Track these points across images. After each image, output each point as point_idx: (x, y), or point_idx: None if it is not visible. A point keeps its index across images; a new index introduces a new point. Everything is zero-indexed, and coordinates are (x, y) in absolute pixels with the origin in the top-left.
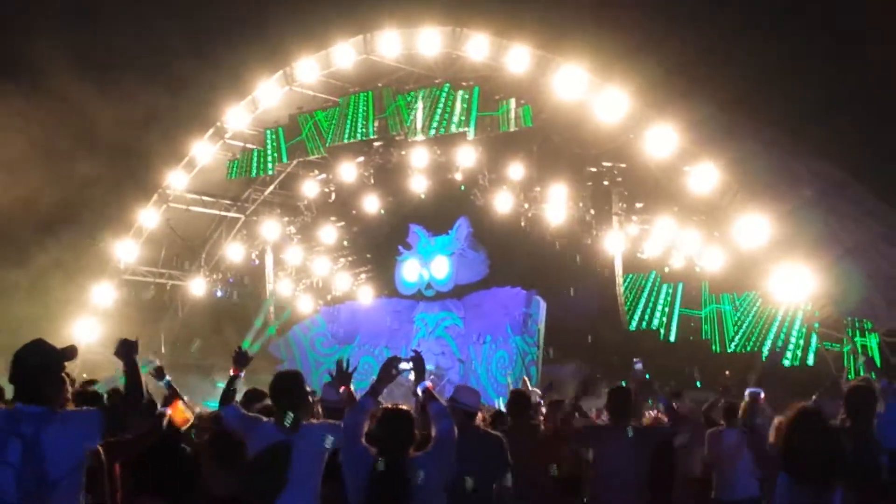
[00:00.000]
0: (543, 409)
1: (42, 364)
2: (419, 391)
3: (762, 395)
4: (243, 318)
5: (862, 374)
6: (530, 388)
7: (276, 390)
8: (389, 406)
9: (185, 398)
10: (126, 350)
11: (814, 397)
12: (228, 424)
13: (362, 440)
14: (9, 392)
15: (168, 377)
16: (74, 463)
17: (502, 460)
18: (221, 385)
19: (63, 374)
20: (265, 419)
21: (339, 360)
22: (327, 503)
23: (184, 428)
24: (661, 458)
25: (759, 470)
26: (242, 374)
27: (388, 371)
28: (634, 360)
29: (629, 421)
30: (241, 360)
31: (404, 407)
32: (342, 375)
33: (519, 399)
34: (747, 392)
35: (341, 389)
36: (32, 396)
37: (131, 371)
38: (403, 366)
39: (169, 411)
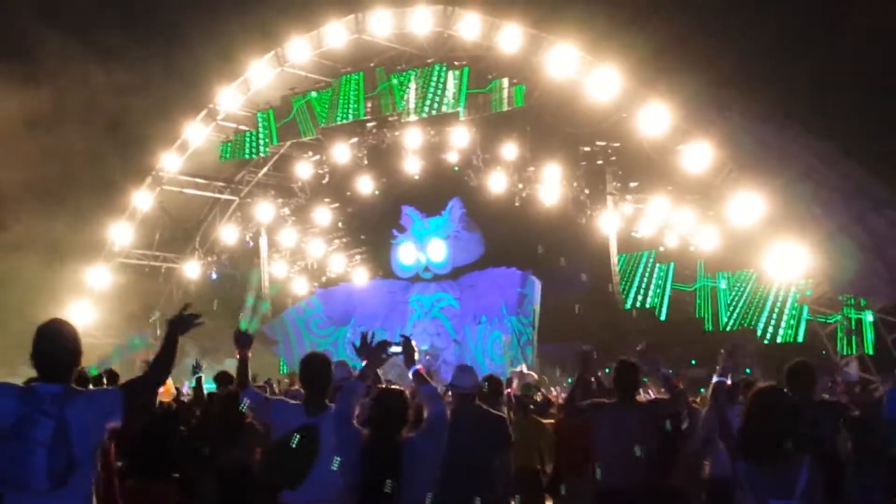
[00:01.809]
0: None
1: (75, 343)
2: (410, 374)
3: (728, 382)
4: (238, 301)
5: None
6: (525, 370)
7: (312, 371)
8: (383, 386)
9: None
10: (184, 324)
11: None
12: (249, 406)
13: (353, 422)
14: None
15: (200, 373)
16: (97, 442)
17: (502, 438)
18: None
19: None
20: (291, 402)
21: (363, 332)
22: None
23: (165, 400)
24: (666, 434)
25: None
26: (250, 354)
27: (378, 354)
28: (584, 346)
29: (634, 397)
30: (243, 340)
31: (398, 387)
32: (366, 348)
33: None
34: (714, 380)
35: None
36: (59, 375)
37: (171, 342)
38: (393, 349)
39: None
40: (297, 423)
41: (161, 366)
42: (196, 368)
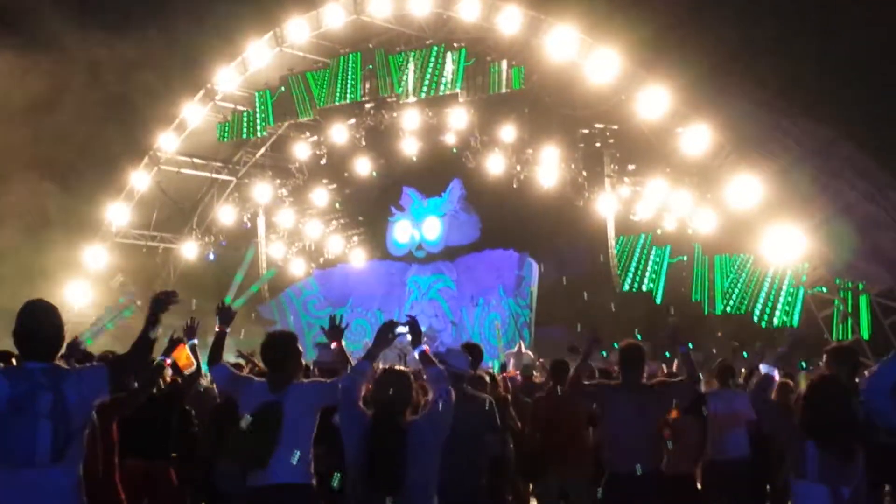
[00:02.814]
0: (536, 373)
1: (60, 324)
2: (416, 354)
3: (776, 376)
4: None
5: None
6: (524, 350)
7: (268, 350)
8: (387, 368)
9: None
10: (163, 303)
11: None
12: (217, 384)
13: (360, 403)
14: None
15: (195, 340)
16: (88, 417)
17: (489, 421)
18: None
19: None
20: (256, 379)
21: (331, 315)
22: (318, 463)
23: (187, 372)
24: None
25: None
26: (228, 331)
27: (385, 335)
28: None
29: (640, 379)
30: (224, 315)
31: (402, 368)
32: (335, 330)
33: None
34: (763, 368)
35: (333, 345)
36: (46, 353)
37: (153, 321)
38: (400, 329)
39: (173, 355)
40: (259, 401)
41: (142, 343)
42: (189, 332)
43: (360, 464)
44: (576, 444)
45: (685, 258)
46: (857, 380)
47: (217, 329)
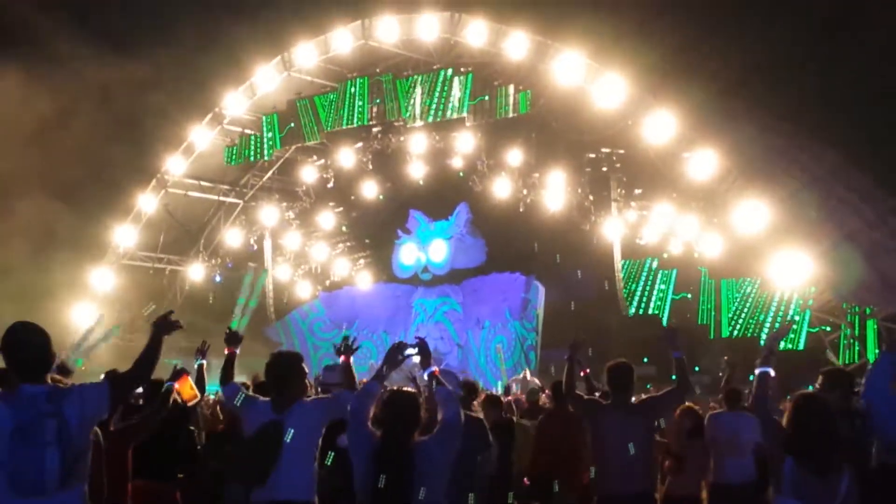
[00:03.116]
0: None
1: (47, 343)
2: (425, 376)
3: (772, 372)
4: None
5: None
6: (528, 377)
7: (272, 370)
8: (395, 388)
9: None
10: (165, 326)
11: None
12: (227, 402)
13: (368, 423)
14: None
15: (203, 360)
16: (90, 435)
17: (483, 440)
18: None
19: None
20: (261, 399)
21: (346, 335)
22: (324, 483)
23: (190, 404)
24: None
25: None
26: (237, 352)
27: (395, 356)
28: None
29: (629, 399)
30: (232, 339)
31: (410, 390)
32: (347, 348)
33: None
34: (757, 371)
35: (341, 359)
36: (40, 375)
37: (154, 344)
38: (409, 351)
39: (177, 385)
40: (263, 420)
41: (144, 363)
42: (200, 352)
43: (368, 484)
44: (582, 463)
45: (689, 296)
46: (851, 403)
47: (226, 351)
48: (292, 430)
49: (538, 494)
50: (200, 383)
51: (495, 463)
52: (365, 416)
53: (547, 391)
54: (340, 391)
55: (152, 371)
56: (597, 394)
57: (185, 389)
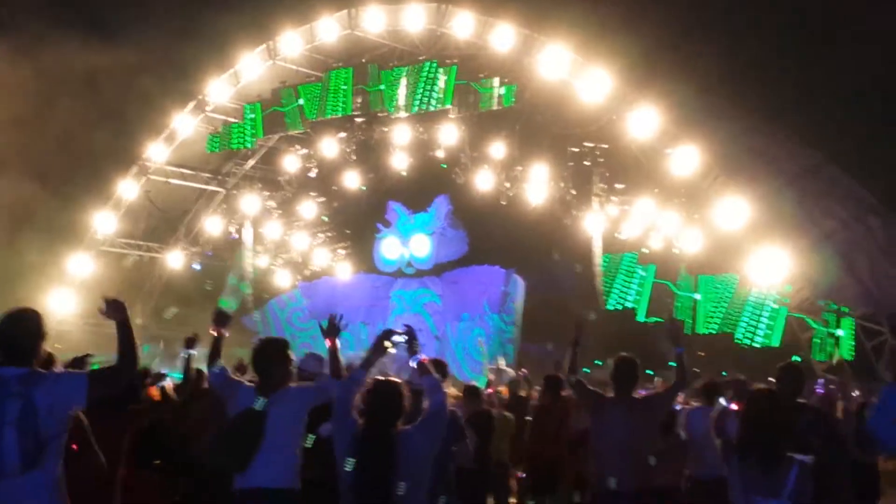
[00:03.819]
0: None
1: (38, 327)
2: (413, 364)
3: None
4: (219, 291)
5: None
6: (504, 366)
7: (257, 356)
8: (379, 378)
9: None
10: (114, 312)
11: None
12: (212, 384)
13: (353, 412)
14: None
15: (193, 351)
16: (63, 423)
17: (457, 432)
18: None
19: None
20: (247, 384)
21: (332, 314)
22: (304, 472)
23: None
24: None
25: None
26: (226, 334)
27: (381, 344)
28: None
29: (633, 394)
30: (220, 319)
31: (394, 379)
32: (332, 328)
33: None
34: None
35: (327, 342)
36: (21, 358)
37: (123, 332)
38: (397, 338)
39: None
40: (245, 406)
41: (127, 357)
42: (189, 343)
43: (350, 473)
44: (581, 457)
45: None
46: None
47: (214, 332)
48: (274, 417)
49: (540, 488)
50: (187, 375)
51: (471, 455)
52: (351, 404)
53: (523, 372)
54: (324, 378)
55: (136, 362)
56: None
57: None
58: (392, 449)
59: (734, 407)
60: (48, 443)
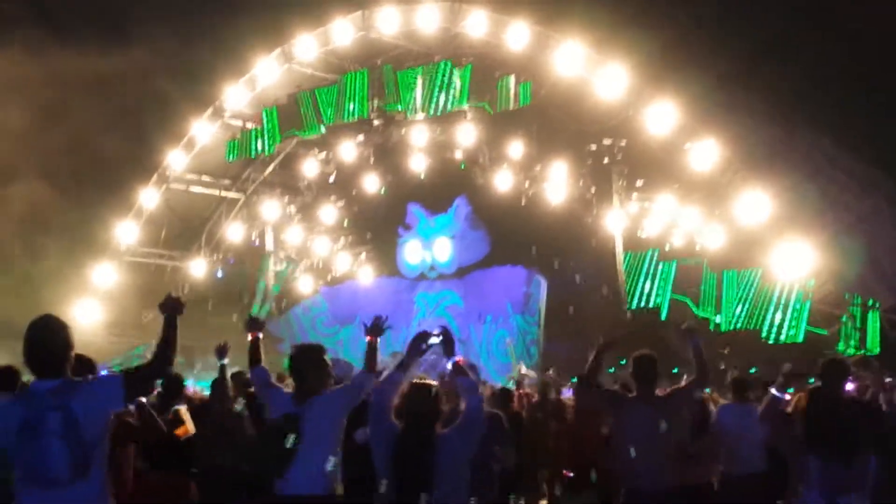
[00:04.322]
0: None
1: (66, 337)
2: (448, 365)
3: (787, 398)
4: (241, 298)
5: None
6: (525, 370)
7: (292, 362)
8: (415, 381)
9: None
10: (171, 307)
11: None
12: (254, 384)
13: (391, 416)
14: None
15: (224, 360)
16: (104, 428)
17: (499, 433)
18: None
19: None
20: (284, 390)
21: (377, 315)
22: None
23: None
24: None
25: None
26: (261, 336)
27: (418, 346)
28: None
29: (654, 391)
30: (253, 325)
31: (430, 381)
32: (376, 328)
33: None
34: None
35: (367, 339)
36: (54, 370)
37: (168, 329)
38: (433, 340)
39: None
40: (282, 412)
41: (163, 353)
42: (221, 352)
43: (389, 477)
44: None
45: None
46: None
47: (249, 337)
48: (311, 423)
49: (579, 488)
50: (223, 383)
51: (514, 457)
52: (387, 407)
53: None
54: (358, 373)
55: (173, 358)
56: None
57: (181, 426)
58: (431, 452)
59: (787, 397)
60: (93, 450)
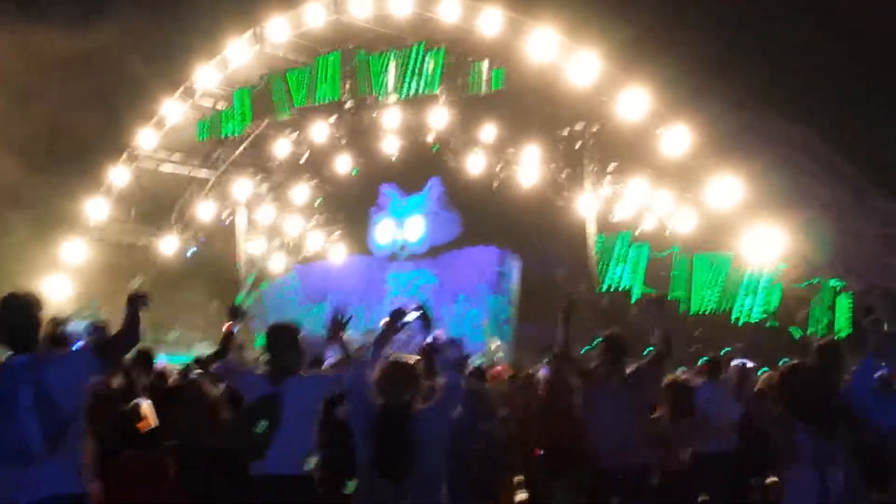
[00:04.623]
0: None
1: (37, 311)
2: (427, 342)
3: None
4: (211, 276)
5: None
6: (497, 345)
7: (268, 342)
8: (394, 357)
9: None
10: (140, 301)
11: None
12: (224, 374)
13: (369, 394)
14: None
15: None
16: (78, 401)
17: (486, 409)
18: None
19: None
20: (256, 372)
21: (335, 309)
22: (328, 464)
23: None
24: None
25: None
26: (237, 328)
27: (394, 323)
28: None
29: (624, 371)
30: (234, 314)
31: (409, 358)
32: (336, 325)
33: None
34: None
35: (334, 340)
36: (26, 345)
37: (134, 315)
38: (409, 317)
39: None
40: (259, 393)
41: (129, 336)
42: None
43: (369, 454)
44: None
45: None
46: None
47: (226, 326)
48: (289, 404)
49: (556, 467)
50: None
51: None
52: (364, 385)
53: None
54: (340, 373)
55: (139, 335)
56: None
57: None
58: (410, 427)
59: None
60: (68, 424)
